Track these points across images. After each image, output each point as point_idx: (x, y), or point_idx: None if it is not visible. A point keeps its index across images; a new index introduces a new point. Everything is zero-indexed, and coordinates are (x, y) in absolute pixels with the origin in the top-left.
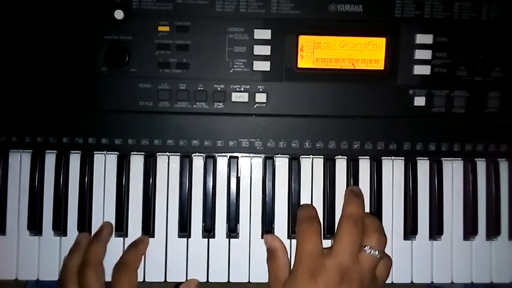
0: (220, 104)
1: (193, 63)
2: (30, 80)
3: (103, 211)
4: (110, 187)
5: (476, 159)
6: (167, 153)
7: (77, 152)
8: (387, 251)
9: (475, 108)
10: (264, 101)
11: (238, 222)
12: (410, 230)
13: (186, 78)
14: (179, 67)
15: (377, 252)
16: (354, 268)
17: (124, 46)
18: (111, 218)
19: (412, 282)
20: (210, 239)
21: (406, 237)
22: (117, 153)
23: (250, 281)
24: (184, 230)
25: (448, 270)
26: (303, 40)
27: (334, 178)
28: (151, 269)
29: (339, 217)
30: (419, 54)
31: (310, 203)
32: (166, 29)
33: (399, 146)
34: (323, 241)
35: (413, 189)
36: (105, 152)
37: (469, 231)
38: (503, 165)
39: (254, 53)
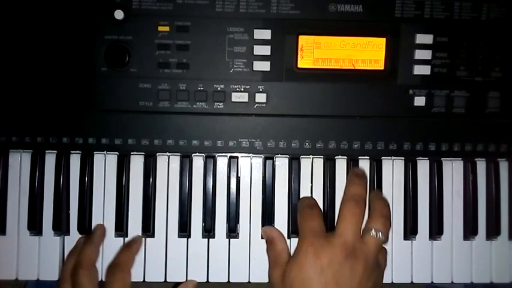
0: (220, 104)
1: (193, 63)
2: (30, 80)
3: (103, 211)
4: (110, 187)
5: (476, 159)
6: (167, 153)
7: (77, 152)
8: (387, 250)
9: (475, 108)
10: (264, 101)
11: (238, 222)
12: (410, 230)
13: (186, 78)
14: (179, 67)
15: (382, 235)
16: (359, 247)
17: (124, 46)
18: (111, 218)
19: (412, 282)
20: (210, 239)
21: (406, 237)
22: (117, 153)
23: (250, 281)
24: (184, 230)
25: (448, 270)
26: (303, 40)
27: (334, 178)
28: (151, 269)
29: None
30: (419, 54)
31: None
32: (166, 29)
33: (399, 146)
34: None
35: (413, 189)
36: (105, 152)
37: (469, 231)
38: (503, 165)
39: (254, 53)
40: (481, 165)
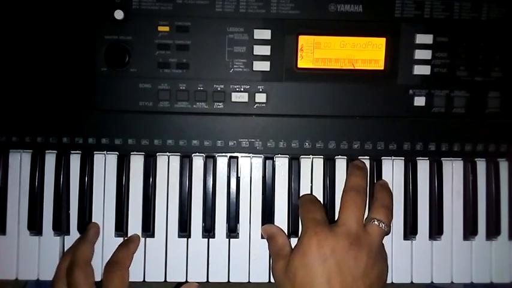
0: (220, 104)
1: (193, 63)
2: (30, 80)
3: (103, 211)
4: (110, 187)
5: (476, 159)
6: (167, 153)
7: (77, 152)
8: (387, 250)
9: (475, 108)
10: (264, 101)
11: (238, 222)
12: (410, 230)
13: (186, 78)
14: (179, 67)
15: (385, 225)
16: (362, 235)
17: (124, 46)
18: (111, 218)
19: (412, 282)
20: (210, 239)
21: (406, 237)
22: (117, 153)
23: (250, 281)
24: (184, 229)
25: (448, 270)
26: (303, 40)
27: (334, 178)
28: (151, 269)
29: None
30: (419, 54)
31: None
32: (166, 29)
33: (399, 146)
34: None
35: (413, 189)
36: (105, 152)
37: (469, 231)
38: (503, 165)
39: (254, 53)
40: (481, 165)
